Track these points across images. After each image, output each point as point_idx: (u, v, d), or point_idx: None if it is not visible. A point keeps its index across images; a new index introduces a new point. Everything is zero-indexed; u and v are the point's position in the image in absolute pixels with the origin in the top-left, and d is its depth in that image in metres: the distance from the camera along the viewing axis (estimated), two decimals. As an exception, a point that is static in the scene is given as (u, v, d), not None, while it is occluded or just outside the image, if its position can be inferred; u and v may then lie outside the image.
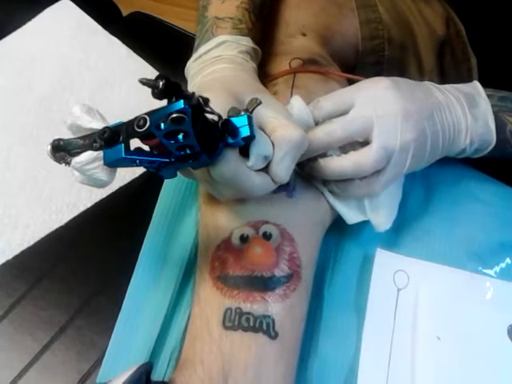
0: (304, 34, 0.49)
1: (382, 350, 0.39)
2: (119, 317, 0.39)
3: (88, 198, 0.45)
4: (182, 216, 0.44)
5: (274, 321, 0.34)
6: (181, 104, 0.25)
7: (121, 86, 0.55)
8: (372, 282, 0.41)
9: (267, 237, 0.37)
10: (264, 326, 0.34)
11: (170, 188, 0.45)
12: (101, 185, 0.29)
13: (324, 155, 0.38)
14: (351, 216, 0.41)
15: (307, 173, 0.39)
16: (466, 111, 0.40)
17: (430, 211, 0.46)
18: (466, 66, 0.60)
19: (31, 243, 0.45)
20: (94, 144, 0.27)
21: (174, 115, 0.25)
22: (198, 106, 0.27)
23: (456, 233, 0.45)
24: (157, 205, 0.44)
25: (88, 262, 0.44)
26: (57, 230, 0.45)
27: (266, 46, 0.47)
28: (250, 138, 0.30)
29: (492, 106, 0.41)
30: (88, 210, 0.45)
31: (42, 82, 0.56)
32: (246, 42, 0.41)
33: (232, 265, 0.36)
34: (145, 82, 0.25)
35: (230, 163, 0.29)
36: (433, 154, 0.40)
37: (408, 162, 0.38)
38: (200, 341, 0.34)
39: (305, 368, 0.38)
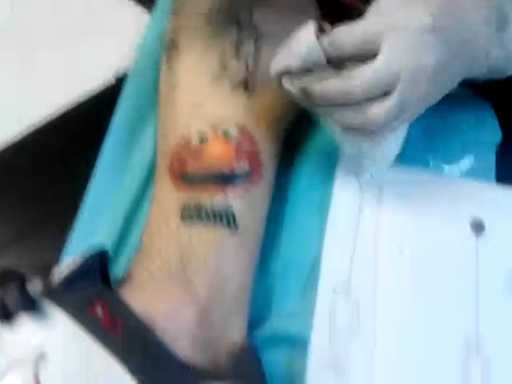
0: None
1: (344, 249, 0.39)
2: (76, 222, 0.39)
3: (39, 112, 0.43)
4: (142, 124, 0.43)
5: (234, 214, 0.34)
6: None
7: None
8: (336, 183, 0.41)
9: (226, 135, 0.36)
10: (224, 220, 0.34)
11: (128, 100, 0.44)
12: None
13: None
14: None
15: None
16: (492, 34, 0.34)
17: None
18: None
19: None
20: None
21: None
22: None
23: (419, 131, 0.45)
24: (114, 115, 0.43)
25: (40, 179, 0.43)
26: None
27: None
28: None
29: None
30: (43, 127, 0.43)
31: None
32: None
33: (191, 163, 0.35)
34: None
35: None
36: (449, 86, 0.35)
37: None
38: (158, 235, 0.34)
39: (267, 267, 0.39)
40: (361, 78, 0.30)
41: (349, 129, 0.33)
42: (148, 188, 0.40)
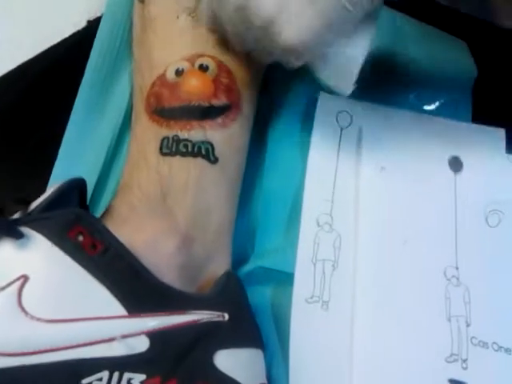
0: None
1: (325, 183, 0.39)
2: (55, 164, 0.38)
3: (9, 61, 0.42)
4: (118, 67, 0.42)
5: (213, 146, 0.34)
6: None
7: None
8: (315, 122, 0.41)
9: (204, 69, 0.35)
10: (203, 151, 0.33)
11: (103, 41, 0.42)
12: None
13: None
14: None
15: None
16: None
17: (371, 61, 0.46)
18: None
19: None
20: None
21: None
22: None
23: (398, 77, 0.45)
24: (89, 58, 0.41)
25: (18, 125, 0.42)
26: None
27: None
28: None
29: None
30: (10, 71, 0.42)
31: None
32: None
33: (168, 98, 0.35)
34: None
35: None
36: None
37: None
38: (137, 169, 0.33)
39: (249, 205, 0.38)
40: None
41: None
42: (127, 128, 0.39)
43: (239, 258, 0.36)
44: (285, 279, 0.36)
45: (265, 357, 0.31)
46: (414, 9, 0.45)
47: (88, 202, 0.33)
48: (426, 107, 0.45)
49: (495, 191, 0.40)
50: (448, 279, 0.38)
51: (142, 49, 0.38)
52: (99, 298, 0.25)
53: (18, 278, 0.24)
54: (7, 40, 0.42)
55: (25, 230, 0.25)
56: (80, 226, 0.26)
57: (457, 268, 0.38)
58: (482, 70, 0.46)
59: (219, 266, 0.33)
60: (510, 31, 0.47)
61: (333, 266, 0.37)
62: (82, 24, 0.43)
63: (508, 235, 0.39)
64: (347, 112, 0.42)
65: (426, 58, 0.46)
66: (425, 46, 0.47)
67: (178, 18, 0.37)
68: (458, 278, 0.38)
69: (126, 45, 0.41)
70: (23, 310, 0.24)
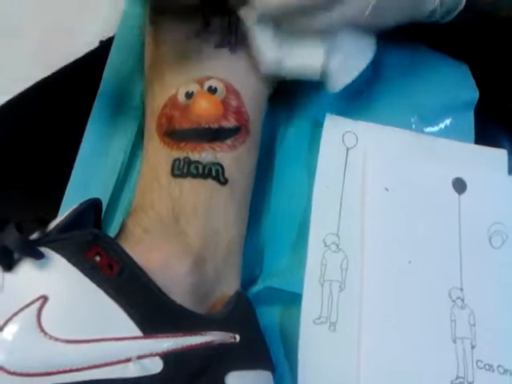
0: None
1: (332, 203, 0.40)
2: (68, 185, 0.38)
3: (24, 80, 0.42)
4: (130, 87, 0.43)
5: (223, 168, 0.34)
6: None
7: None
8: (322, 142, 0.42)
9: (212, 91, 0.36)
10: (213, 173, 0.34)
11: (116, 61, 0.43)
12: None
13: None
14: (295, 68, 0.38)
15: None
16: None
17: (377, 79, 0.47)
18: None
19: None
20: None
21: None
22: None
23: (402, 97, 0.46)
24: (102, 78, 0.42)
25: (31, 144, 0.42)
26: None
27: None
28: None
29: None
30: (25, 91, 0.42)
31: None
32: None
33: (178, 120, 0.35)
34: None
35: None
36: (403, 3, 0.37)
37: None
38: (149, 191, 0.34)
39: (257, 225, 0.39)
40: None
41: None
42: (139, 148, 0.40)
43: (248, 278, 0.37)
44: (293, 300, 0.36)
45: (274, 378, 0.31)
46: (415, 31, 0.46)
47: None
48: (429, 128, 0.45)
49: (498, 212, 0.41)
50: (453, 301, 0.38)
51: (153, 70, 0.39)
52: (115, 319, 0.26)
53: (38, 299, 0.24)
54: (22, 59, 0.43)
55: (44, 250, 0.26)
56: (98, 247, 0.26)
57: (461, 289, 0.38)
58: (484, 91, 0.47)
59: (229, 286, 0.33)
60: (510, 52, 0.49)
61: (340, 286, 0.37)
62: (95, 44, 0.44)
63: (511, 256, 0.39)
64: (353, 133, 0.43)
65: (427, 79, 0.47)
66: (426, 68, 0.48)
67: (187, 39, 0.38)
68: (463, 300, 0.38)
69: (137, 65, 0.42)
70: (42, 330, 0.24)
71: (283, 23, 0.36)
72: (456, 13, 0.40)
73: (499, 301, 0.37)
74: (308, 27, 0.35)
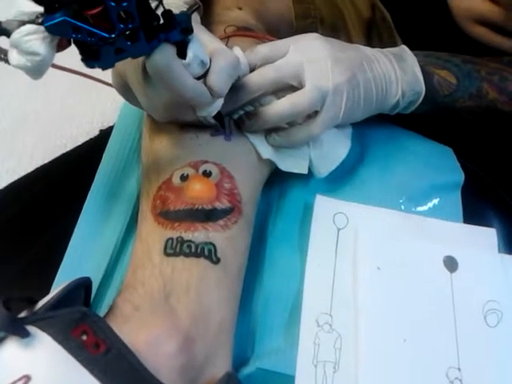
0: (240, 8, 0.52)
1: (324, 283, 0.40)
2: (62, 265, 0.39)
3: (29, 163, 0.45)
4: (126, 174, 0.44)
5: (215, 247, 0.35)
6: None
7: None
8: (313, 223, 0.43)
9: (207, 174, 0.38)
10: (206, 252, 0.35)
11: (114, 149, 0.45)
12: (38, 62, 0.27)
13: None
14: (287, 163, 0.42)
15: (248, 130, 0.40)
16: (394, 64, 0.43)
17: (365, 163, 0.49)
18: None
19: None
20: (36, 19, 0.26)
21: None
22: None
23: (390, 180, 0.47)
24: (100, 165, 0.44)
25: (29, 226, 0.44)
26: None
27: (202, 18, 0.49)
28: (188, 31, 0.30)
29: (418, 61, 0.44)
30: (28, 174, 0.44)
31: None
32: None
33: (173, 201, 0.37)
34: None
35: (166, 54, 0.30)
36: (368, 103, 0.42)
37: (343, 104, 0.40)
38: (141, 268, 0.34)
39: (250, 306, 0.39)
40: (272, 65, 0.39)
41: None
42: (132, 231, 0.41)
43: (239, 359, 0.36)
44: (286, 382, 0.35)
45: None
46: (401, 118, 0.49)
47: (92, 300, 0.34)
48: (418, 208, 0.46)
49: (491, 290, 0.41)
50: (451, 381, 0.37)
51: (149, 156, 0.41)
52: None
53: (20, 378, 0.24)
54: (24, 146, 0.45)
55: (30, 328, 0.26)
56: (85, 325, 0.26)
57: (459, 369, 0.37)
58: (469, 173, 0.48)
59: (219, 366, 0.33)
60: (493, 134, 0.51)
61: (334, 367, 0.36)
62: (95, 132, 0.47)
63: (508, 335, 0.39)
64: (343, 213, 0.44)
65: (413, 162, 0.49)
66: (412, 152, 0.50)
67: (182, 130, 0.40)
68: (461, 380, 0.37)
69: (134, 153, 0.44)
70: (23, 411, 0.23)
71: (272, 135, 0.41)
72: (418, 103, 0.44)
73: (497, 381, 0.36)
74: (291, 142, 0.41)
